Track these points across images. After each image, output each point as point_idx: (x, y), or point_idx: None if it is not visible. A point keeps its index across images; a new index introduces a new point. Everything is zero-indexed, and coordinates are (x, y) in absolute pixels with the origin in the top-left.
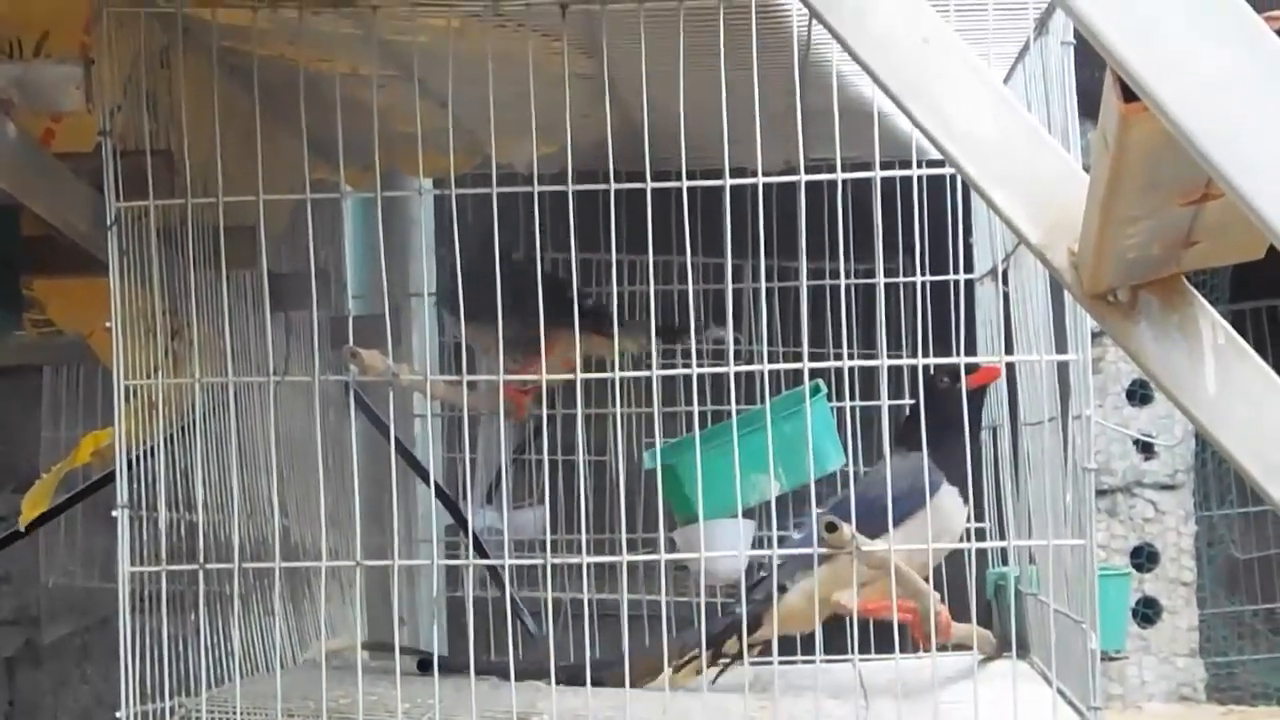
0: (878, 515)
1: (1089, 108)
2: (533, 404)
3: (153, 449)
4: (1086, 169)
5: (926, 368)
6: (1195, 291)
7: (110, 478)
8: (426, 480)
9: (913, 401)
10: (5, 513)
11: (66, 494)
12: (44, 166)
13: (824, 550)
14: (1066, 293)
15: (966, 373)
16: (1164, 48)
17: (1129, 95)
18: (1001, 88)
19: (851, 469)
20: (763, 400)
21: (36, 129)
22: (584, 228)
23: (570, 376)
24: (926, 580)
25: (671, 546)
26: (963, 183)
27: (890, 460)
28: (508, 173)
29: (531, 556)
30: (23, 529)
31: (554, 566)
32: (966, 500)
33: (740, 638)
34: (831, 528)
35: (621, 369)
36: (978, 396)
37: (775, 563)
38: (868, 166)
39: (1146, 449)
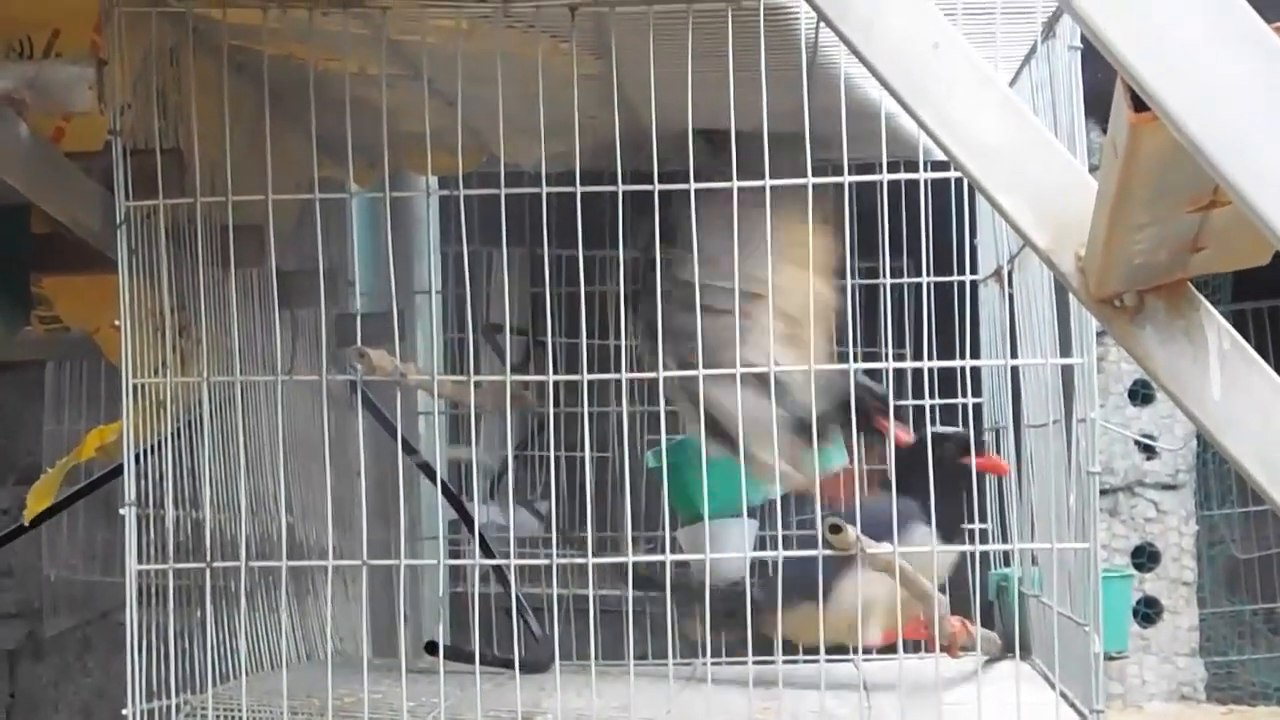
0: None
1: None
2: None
3: (158, 445)
4: (1093, 170)
5: (937, 436)
6: (1201, 297)
7: (114, 473)
8: (433, 479)
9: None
10: (8, 505)
11: (70, 489)
12: (55, 165)
13: (828, 553)
14: (1072, 296)
15: (976, 454)
16: (1174, 57)
17: (1139, 105)
18: (1010, 93)
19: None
20: None
21: (46, 128)
22: (565, 225)
23: (575, 377)
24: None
25: (675, 546)
26: (968, 184)
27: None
28: (513, 172)
29: (535, 555)
30: (27, 524)
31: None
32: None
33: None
34: (836, 529)
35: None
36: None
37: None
38: (871, 168)
39: (1148, 449)
